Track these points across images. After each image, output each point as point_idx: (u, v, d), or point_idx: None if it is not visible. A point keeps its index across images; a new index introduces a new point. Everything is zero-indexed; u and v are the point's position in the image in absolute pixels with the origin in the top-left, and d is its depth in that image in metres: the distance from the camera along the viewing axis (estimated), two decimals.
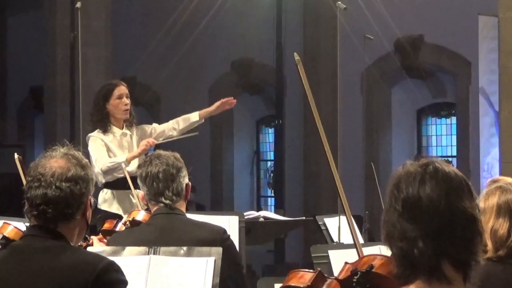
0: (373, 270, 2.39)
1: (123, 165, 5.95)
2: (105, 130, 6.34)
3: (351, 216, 3.10)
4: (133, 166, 5.98)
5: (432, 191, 2.14)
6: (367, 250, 3.35)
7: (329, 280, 2.59)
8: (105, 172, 6.17)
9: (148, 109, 14.45)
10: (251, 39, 13.48)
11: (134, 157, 6.24)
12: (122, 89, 6.42)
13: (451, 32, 11.40)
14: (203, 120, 6.83)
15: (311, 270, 2.69)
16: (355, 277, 2.45)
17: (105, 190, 6.33)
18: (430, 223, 2.11)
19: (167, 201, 4.13)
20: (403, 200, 2.15)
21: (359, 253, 2.82)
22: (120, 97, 6.37)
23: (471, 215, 2.14)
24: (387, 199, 2.21)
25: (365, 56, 11.65)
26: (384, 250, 4.59)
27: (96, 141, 6.31)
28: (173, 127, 6.69)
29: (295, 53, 2.87)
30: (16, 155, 4.67)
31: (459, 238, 2.11)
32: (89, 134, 6.40)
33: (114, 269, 2.86)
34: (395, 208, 2.16)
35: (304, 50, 13.14)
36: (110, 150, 6.26)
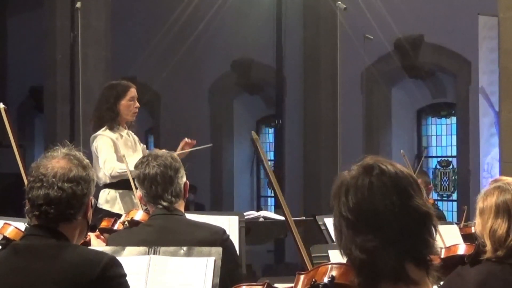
0: (335, 281, 2.25)
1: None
2: (112, 128, 6.32)
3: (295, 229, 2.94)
4: None
5: (383, 195, 2.08)
6: None
7: None
8: (113, 177, 6.15)
9: (148, 109, 14.45)
10: (251, 39, 13.48)
11: None
12: (135, 91, 6.49)
13: (451, 32, 11.40)
14: None
15: (260, 284, 2.64)
16: None
17: (107, 190, 6.31)
18: (389, 230, 2.05)
19: (166, 203, 4.12)
20: (355, 210, 2.08)
21: (307, 263, 2.67)
22: (132, 99, 6.41)
23: (425, 212, 2.09)
24: (334, 208, 2.13)
25: (365, 56, 11.65)
26: None
27: (105, 140, 6.24)
28: None
29: (252, 132, 2.83)
30: (1, 105, 4.59)
31: (419, 238, 2.07)
32: (97, 133, 6.31)
33: (116, 264, 2.90)
34: (346, 217, 2.09)
35: (304, 50, 13.15)
36: (117, 149, 6.24)
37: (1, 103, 4.61)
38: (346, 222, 2.09)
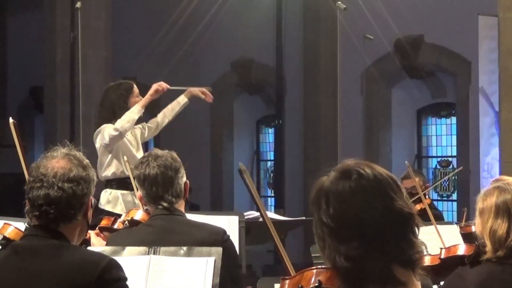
0: (322, 286, 2.16)
1: (136, 116, 6.24)
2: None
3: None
4: None
5: (364, 201, 2.04)
6: None
7: None
8: (121, 127, 6.31)
9: (148, 109, 14.43)
10: (251, 39, 13.48)
11: (147, 101, 6.59)
12: (136, 87, 6.74)
13: (451, 32, 11.40)
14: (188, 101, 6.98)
15: None
16: None
17: (108, 190, 6.33)
18: (373, 235, 2.02)
19: (167, 204, 4.11)
20: (337, 217, 2.05)
21: (288, 268, 2.62)
22: (138, 95, 6.58)
23: (408, 214, 2.07)
24: (314, 215, 2.09)
25: (365, 56, 11.66)
26: None
27: (110, 126, 6.41)
28: (164, 115, 6.86)
29: (240, 164, 2.82)
30: (11, 120, 4.62)
31: (403, 239, 2.04)
32: (103, 125, 6.43)
33: (116, 266, 2.88)
34: (328, 225, 2.05)
35: (304, 50, 13.15)
36: (123, 141, 6.38)
37: (11, 118, 4.64)
38: (328, 230, 2.05)
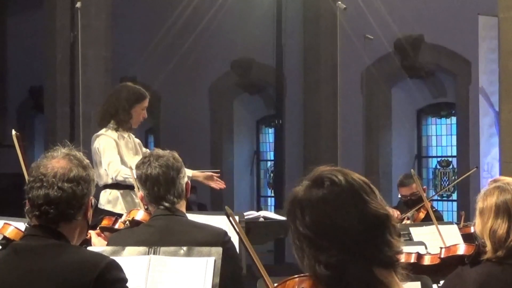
0: None
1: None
2: (117, 129, 6.29)
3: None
4: None
5: (339, 207, 2.04)
6: None
7: None
8: (118, 181, 6.13)
9: (148, 109, 14.43)
10: (251, 39, 13.48)
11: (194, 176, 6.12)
12: (148, 102, 6.47)
13: (451, 32, 11.40)
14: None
15: None
16: None
17: (108, 190, 6.30)
18: (351, 241, 2.01)
19: (168, 204, 4.10)
20: (313, 226, 2.03)
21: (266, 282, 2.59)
22: (144, 108, 6.43)
23: (383, 215, 2.06)
24: (290, 226, 2.08)
25: (365, 56, 11.66)
26: None
27: (108, 141, 6.20)
28: None
29: (226, 207, 2.81)
30: (13, 132, 4.60)
31: (382, 241, 2.04)
32: (99, 132, 6.28)
33: (115, 267, 2.87)
34: (306, 235, 2.04)
35: (304, 50, 13.15)
36: (120, 150, 6.23)
37: (14, 130, 4.62)
38: (306, 239, 2.04)
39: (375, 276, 2.02)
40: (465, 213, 6.97)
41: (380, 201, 2.08)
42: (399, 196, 7.73)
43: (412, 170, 6.53)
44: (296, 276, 2.16)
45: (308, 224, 2.04)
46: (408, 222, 6.90)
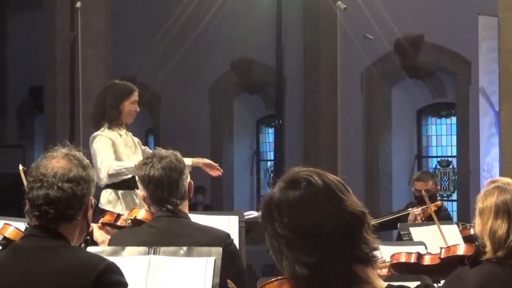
0: None
1: (130, 175, 5.93)
2: (111, 127, 6.29)
3: None
4: None
5: (317, 207, 2.05)
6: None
7: None
8: (111, 176, 6.10)
9: (148, 109, 14.45)
10: (251, 39, 13.48)
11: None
12: (137, 95, 6.45)
13: (451, 32, 11.41)
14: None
15: None
16: None
17: (108, 190, 6.29)
18: (330, 240, 2.03)
19: (171, 206, 4.07)
20: (291, 227, 2.04)
21: None
22: (134, 102, 6.39)
23: (360, 212, 2.08)
24: (268, 228, 2.09)
25: (365, 56, 11.66)
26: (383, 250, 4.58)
27: (104, 141, 6.18)
28: None
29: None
30: (20, 167, 4.66)
31: (359, 238, 2.06)
32: (95, 133, 6.27)
33: (114, 270, 2.86)
34: (284, 236, 2.05)
35: (304, 50, 13.16)
36: (117, 149, 6.21)
37: (20, 165, 4.68)
38: (285, 240, 2.06)
39: (355, 272, 2.04)
40: (465, 213, 6.97)
41: (355, 199, 2.10)
42: (413, 190, 7.72)
43: (423, 192, 6.45)
44: (273, 279, 2.17)
45: (286, 225, 2.05)
46: (419, 218, 6.97)
